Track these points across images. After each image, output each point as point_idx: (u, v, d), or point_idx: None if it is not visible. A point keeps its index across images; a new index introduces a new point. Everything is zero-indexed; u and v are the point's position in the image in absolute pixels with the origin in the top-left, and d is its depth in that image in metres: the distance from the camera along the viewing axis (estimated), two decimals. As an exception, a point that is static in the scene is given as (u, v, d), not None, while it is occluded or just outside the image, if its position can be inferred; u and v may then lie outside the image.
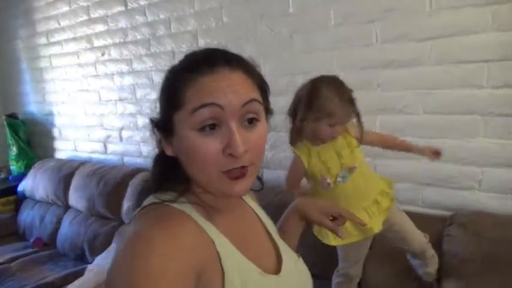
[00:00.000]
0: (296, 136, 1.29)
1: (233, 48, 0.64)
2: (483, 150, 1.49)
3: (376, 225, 1.27)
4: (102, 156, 2.95)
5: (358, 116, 1.23)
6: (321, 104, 1.17)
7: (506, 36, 1.40)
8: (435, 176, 1.60)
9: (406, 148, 1.40)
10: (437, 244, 1.44)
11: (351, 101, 1.22)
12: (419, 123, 1.39)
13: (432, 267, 1.40)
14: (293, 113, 1.27)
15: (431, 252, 1.40)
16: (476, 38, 1.45)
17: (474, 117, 1.49)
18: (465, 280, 1.34)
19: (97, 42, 2.79)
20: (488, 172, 1.50)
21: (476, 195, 1.53)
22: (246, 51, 0.68)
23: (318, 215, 0.83)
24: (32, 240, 2.70)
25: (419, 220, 1.43)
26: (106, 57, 2.74)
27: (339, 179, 1.26)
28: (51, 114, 3.30)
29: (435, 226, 1.50)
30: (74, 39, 2.94)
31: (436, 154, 1.35)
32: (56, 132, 3.31)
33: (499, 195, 1.49)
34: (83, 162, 2.82)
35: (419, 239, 1.37)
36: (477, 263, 1.34)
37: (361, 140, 1.28)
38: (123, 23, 2.60)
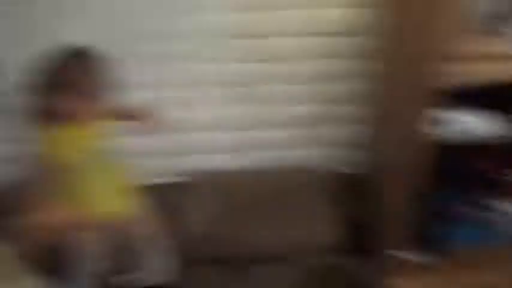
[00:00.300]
0: (38, 118, 1.14)
1: None
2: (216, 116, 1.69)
3: (119, 208, 1.28)
4: None
5: (108, 90, 1.18)
6: (67, 77, 1.11)
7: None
8: (168, 147, 1.69)
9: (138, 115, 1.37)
10: (180, 212, 1.54)
11: (102, 74, 1.16)
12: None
13: (164, 263, 1.41)
14: (34, 90, 1.12)
15: (162, 244, 1.42)
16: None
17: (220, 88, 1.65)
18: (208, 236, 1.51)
19: None
20: (221, 136, 1.72)
21: (210, 157, 1.74)
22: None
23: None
24: None
25: (159, 191, 1.51)
26: None
27: (87, 162, 1.21)
28: None
29: (173, 194, 1.59)
30: None
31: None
32: None
33: (232, 155, 1.75)
34: None
35: (151, 224, 1.40)
36: (219, 219, 1.54)
37: (108, 117, 1.25)
38: None
